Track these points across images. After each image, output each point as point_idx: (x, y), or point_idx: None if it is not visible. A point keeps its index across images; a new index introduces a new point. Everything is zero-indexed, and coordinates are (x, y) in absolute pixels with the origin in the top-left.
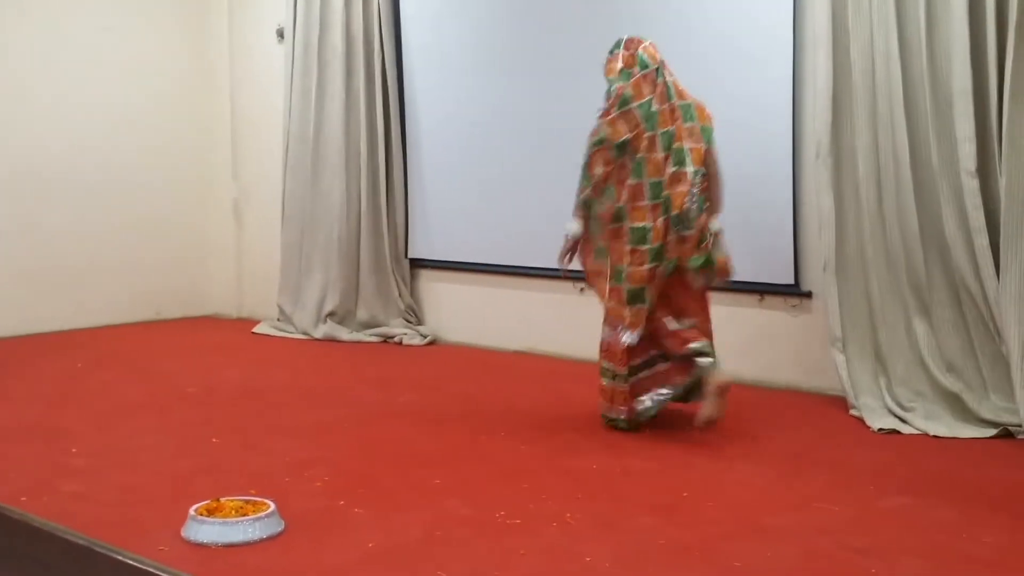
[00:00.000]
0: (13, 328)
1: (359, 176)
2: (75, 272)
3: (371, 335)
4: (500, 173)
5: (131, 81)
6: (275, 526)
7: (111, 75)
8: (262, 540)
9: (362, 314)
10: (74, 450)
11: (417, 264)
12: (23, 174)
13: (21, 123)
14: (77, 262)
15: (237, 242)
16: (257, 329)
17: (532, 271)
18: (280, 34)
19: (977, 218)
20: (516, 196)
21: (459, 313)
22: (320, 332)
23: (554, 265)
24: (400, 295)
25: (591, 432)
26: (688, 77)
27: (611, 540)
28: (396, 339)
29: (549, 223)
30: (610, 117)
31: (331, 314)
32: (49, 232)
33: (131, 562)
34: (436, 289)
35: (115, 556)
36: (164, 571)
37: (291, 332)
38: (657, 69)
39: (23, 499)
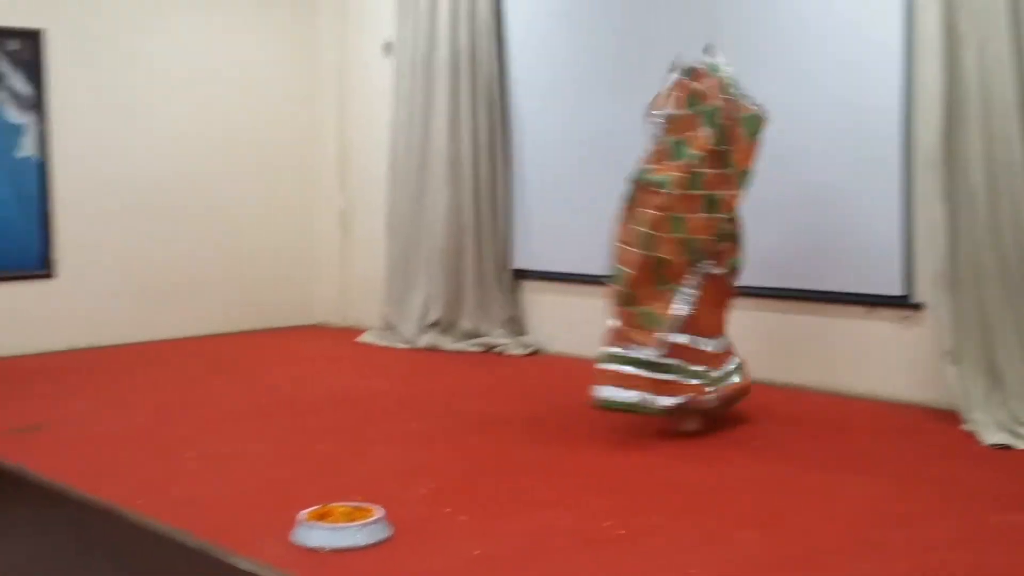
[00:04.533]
0: (130, 336)
1: (464, 189)
2: (188, 283)
3: (474, 345)
4: (604, 186)
5: (243, 95)
6: (383, 532)
7: (224, 90)
8: (370, 545)
9: (465, 324)
10: (188, 455)
11: (520, 275)
12: (141, 191)
13: (137, 142)
14: (190, 273)
15: (343, 252)
16: (362, 338)
17: None
18: (387, 49)
19: None
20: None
21: (561, 324)
22: (423, 342)
23: None
24: (503, 306)
25: (693, 444)
26: (787, 85)
27: (716, 554)
28: (498, 349)
29: None
30: None
31: (434, 324)
32: (164, 244)
33: (245, 565)
34: (539, 300)
35: (229, 560)
36: (276, 575)
37: (395, 342)
38: None
39: (139, 501)
